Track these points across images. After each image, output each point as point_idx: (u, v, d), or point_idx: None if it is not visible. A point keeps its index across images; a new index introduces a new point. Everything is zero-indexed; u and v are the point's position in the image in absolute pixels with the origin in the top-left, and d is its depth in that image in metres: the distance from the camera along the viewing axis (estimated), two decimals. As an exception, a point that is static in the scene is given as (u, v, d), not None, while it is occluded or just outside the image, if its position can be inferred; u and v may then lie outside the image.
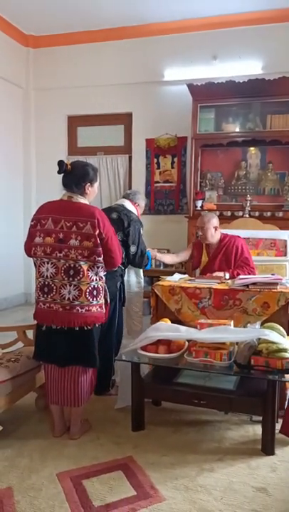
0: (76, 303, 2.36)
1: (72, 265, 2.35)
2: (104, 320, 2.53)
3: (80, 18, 5.42)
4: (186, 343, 2.67)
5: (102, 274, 2.44)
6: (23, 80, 6.01)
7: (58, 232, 2.37)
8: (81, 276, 2.35)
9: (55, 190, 6.44)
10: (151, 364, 2.69)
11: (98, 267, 2.41)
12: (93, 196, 2.57)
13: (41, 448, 2.42)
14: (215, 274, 3.31)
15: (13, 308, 5.89)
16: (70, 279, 2.36)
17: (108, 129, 6.02)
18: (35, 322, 2.53)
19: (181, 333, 2.61)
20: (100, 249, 2.37)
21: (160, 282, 3.17)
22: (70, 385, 2.48)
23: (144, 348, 2.63)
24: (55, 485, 2.09)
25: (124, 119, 5.90)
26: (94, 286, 2.40)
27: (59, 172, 2.46)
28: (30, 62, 6.03)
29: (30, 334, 2.90)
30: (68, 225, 2.36)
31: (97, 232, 2.34)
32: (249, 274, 3.31)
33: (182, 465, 2.26)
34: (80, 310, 2.36)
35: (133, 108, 5.78)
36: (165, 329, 2.67)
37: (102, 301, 2.47)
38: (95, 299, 2.41)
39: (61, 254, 2.36)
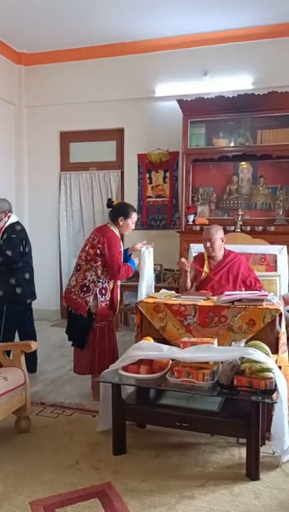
0: (72, 290, 3.23)
1: (79, 263, 3.27)
2: (86, 314, 3.17)
3: (71, 36, 5.46)
4: (170, 362, 2.60)
5: (94, 278, 3.17)
6: (15, 97, 6.03)
7: (86, 241, 3.36)
8: (80, 272, 3.22)
9: (46, 206, 6.44)
10: (131, 385, 2.61)
11: (93, 271, 3.17)
12: (126, 229, 3.34)
13: (17, 473, 2.33)
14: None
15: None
16: (75, 272, 3.27)
17: (100, 144, 6.02)
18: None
19: (163, 352, 2.54)
20: (98, 258, 3.16)
21: (144, 299, 3.11)
22: (75, 357, 3.34)
23: (125, 368, 2.56)
24: (27, 514, 2.00)
25: (116, 135, 5.90)
26: (85, 283, 3.19)
27: (107, 207, 3.41)
28: (23, 80, 6.06)
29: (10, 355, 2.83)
30: (89, 237, 3.31)
31: (100, 246, 3.15)
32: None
33: (162, 492, 2.17)
34: (73, 296, 3.22)
35: (125, 124, 5.78)
36: (147, 348, 2.60)
37: (90, 298, 3.16)
38: (84, 293, 3.17)
39: (78, 255, 3.32)
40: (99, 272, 3.18)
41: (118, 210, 3.32)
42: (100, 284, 3.19)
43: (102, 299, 3.20)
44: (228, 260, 3.48)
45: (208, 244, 3.45)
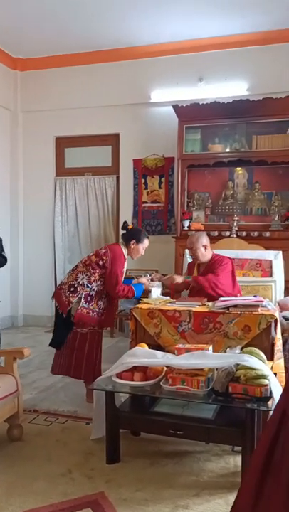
0: (63, 287, 3.32)
1: (77, 264, 3.39)
2: (65, 315, 3.21)
3: (67, 42, 5.47)
4: (165, 369, 2.57)
5: (85, 282, 3.24)
6: (10, 102, 6.02)
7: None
8: (73, 272, 3.34)
9: (41, 211, 6.39)
10: (125, 392, 2.57)
11: (87, 275, 3.25)
12: (136, 253, 3.40)
13: (9, 482, 2.29)
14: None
15: (-2, 332, 5.75)
16: (70, 271, 3.40)
17: (96, 150, 6.01)
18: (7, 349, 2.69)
19: (158, 359, 2.51)
20: (97, 267, 3.24)
21: (139, 305, 3.07)
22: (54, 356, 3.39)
23: (119, 375, 2.52)
24: (18, 525, 1.96)
25: (112, 140, 5.90)
26: (74, 284, 3.26)
27: (122, 229, 3.47)
28: (18, 85, 6.05)
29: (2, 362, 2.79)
30: (98, 248, 3.45)
31: (105, 258, 3.25)
32: (209, 280, 3.26)
33: (156, 501, 2.13)
34: (61, 293, 3.29)
35: (120, 129, 5.78)
36: (141, 355, 2.57)
37: (74, 300, 3.21)
38: (70, 293, 3.24)
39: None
40: (92, 278, 3.25)
41: (131, 234, 3.41)
42: (87, 289, 3.24)
43: (84, 305, 3.22)
44: (211, 264, 3.50)
45: (191, 253, 3.54)
